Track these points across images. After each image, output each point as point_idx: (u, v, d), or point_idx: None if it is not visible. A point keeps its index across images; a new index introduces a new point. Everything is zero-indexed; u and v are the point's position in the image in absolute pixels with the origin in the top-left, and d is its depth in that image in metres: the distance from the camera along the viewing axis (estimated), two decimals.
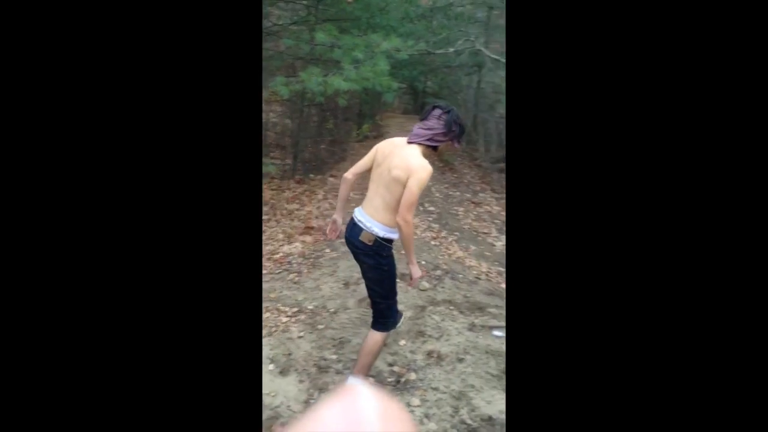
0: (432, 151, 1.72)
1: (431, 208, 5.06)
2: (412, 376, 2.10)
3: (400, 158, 1.64)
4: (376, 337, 1.77)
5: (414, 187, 1.57)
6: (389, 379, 2.07)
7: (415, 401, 1.92)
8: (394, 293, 1.79)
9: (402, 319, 1.95)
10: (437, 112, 1.69)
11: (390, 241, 1.72)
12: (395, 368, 2.15)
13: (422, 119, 1.73)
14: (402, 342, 2.37)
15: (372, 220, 1.69)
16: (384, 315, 1.77)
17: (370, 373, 1.90)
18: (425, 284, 3.02)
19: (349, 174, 1.81)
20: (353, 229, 1.73)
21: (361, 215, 1.73)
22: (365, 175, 1.83)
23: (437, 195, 6.10)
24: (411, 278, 1.75)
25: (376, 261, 1.72)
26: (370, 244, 1.69)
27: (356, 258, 1.78)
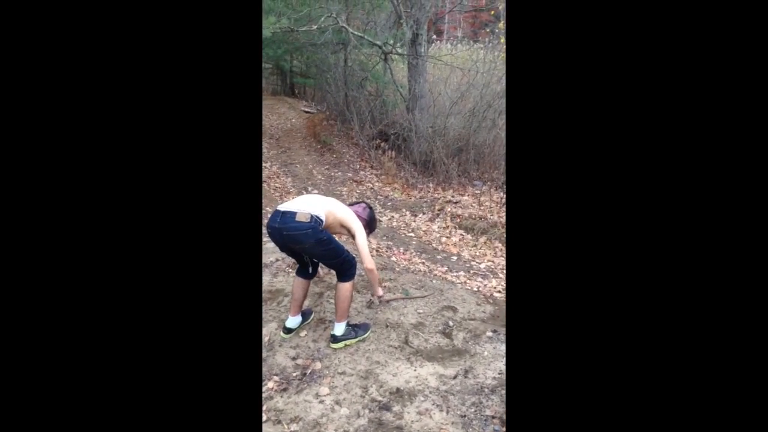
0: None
1: (315, 191, 4.97)
2: (318, 365, 2.06)
3: (346, 212, 2.15)
4: (346, 286, 2.13)
5: (361, 244, 2.05)
6: (294, 374, 2.00)
7: (324, 390, 1.90)
8: (342, 248, 2.08)
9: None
10: (363, 205, 2.31)
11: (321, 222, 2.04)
12: (299, 361, 2.09)
13: (350, 204, 2.25)
14: (303, 333, 2.31)
15: (303, 208, 2.00)
16: (345, 267, 2.10)
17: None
18: (320, 271, 2.97)
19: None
20: (283, 217, 1.96)
21: (286, 207, 2.01)
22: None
23: (320, 177, 6.01)
24: (378, 298, 2.36)
25: (317, 237, 1.95)
26: (306, 221, 1.94)
27: (292, 244, 2.00)
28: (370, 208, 2.30)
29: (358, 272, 2.45)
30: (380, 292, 2.30)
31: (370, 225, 2.27)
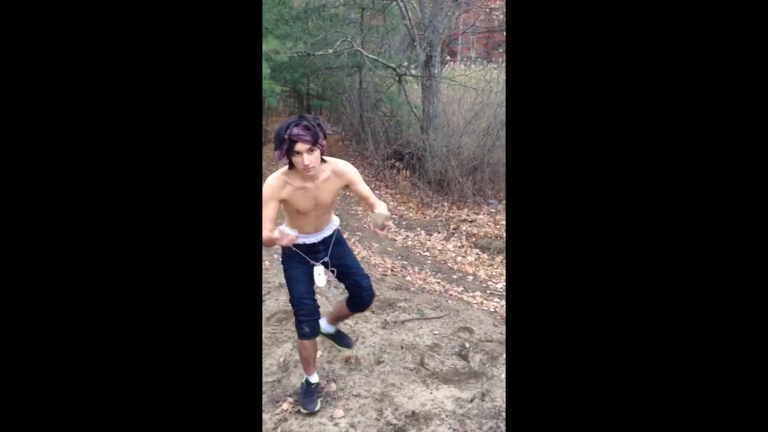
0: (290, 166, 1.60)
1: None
2: (332, 387, 2.05)
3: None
4: (299, 340, 1.85)
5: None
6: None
7: (339, 413, 1.88)
8: (293, 283, 1.80)
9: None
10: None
11: None
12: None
13: None
14: (318, 354, 2.30)
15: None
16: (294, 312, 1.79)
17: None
18: (335, 290, 2.97)
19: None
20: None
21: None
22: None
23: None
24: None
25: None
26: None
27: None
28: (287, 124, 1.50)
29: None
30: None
31: (281, 142, 1.48)
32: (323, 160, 1.60)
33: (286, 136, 1.46)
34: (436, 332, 2.55)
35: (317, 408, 1.86)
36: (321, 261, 1.79)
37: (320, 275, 1.78)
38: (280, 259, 1.80)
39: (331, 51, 6.35)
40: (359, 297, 1.86)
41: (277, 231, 1.50)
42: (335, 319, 2.07)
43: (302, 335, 1.77)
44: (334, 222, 1.88)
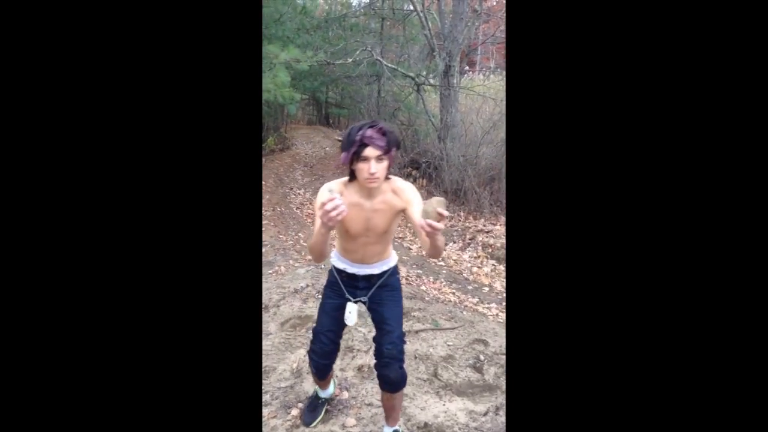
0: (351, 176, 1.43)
1: None
2: (345, 394, 2.04)
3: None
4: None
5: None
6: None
7: (351, 421, 1.86)
8: (319, 311, 1.67)
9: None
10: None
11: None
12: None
13: None
14: None
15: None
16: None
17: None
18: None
19: None
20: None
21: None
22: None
23: None
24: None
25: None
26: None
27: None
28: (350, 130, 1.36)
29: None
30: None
31: (350, 144, 1.31)
32: (387, 177, 1.40)
33: (358, 138, 1.29)
34: (450, 343, 2.52)
35: (313, 423, 1.79)
36: (358, 299, 1.58)
37: (351, 314, 1.56)
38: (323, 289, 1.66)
39: (351, 60, 6.42)
40: (378, 363, 1.55)
41: (324, 197, 1.17)
42: (389, 417, 1.71)
43: (311, 370, 1.67)
44: (388, 262, 1.60)
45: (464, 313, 2.97)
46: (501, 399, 2.04)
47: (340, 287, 1.60)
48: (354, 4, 8.58)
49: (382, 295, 1.59)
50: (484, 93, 6.68)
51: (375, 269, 1.57)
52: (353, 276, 1.58)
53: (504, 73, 8.81)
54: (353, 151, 1.31)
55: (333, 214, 1.14)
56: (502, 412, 1.95)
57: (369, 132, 1.29)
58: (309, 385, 2.08)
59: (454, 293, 3.46)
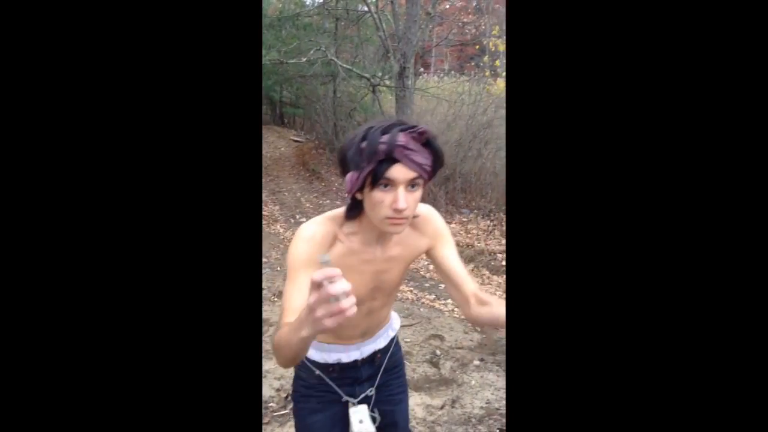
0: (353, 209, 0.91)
1: (302, 219, 4.97)
2: None
3: None
4: None
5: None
6: (276, 405, 1.94)
7: None
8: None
9: None
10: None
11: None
12: (283, 393, 2.04)
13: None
14: None
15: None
16: None
17: None
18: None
19: None
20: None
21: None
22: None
23: (308, 205, 6.03)
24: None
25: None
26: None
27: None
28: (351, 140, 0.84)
29: None
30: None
31: (370, 155, 0.76)
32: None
33: (384, 147, 0.75)
34: (408, 340, 2.56)
35: None
36: (362, 396, 1.02)
37: (363, 423, 0.97)
38: (291, 397, 1.10)
39: (305, 59, 6.35)
40: None
41: (319, 273, 0.60)
42: None
43: None
44: (393, 323, 1.10)
45: (421, 309, 3.01)
46: (457, 392, 2.09)
47: (329, 388, 1.01)
48: (308, 3, 8.49)
49: (390, 383, 1.07)
50: (438, 95, 6.81)
51: (381, 341, 1.05)
52: (352, 365, 1.02)
53: (458, 75, 9.02)
54: (370, 169, 0.76)
55: (336, 313, 0.59)
56: (458, 405, 2.00)
57: (402, 138, 0.75)
58: (266, 389, 2.04)
59: (411, 291, 3.51)
